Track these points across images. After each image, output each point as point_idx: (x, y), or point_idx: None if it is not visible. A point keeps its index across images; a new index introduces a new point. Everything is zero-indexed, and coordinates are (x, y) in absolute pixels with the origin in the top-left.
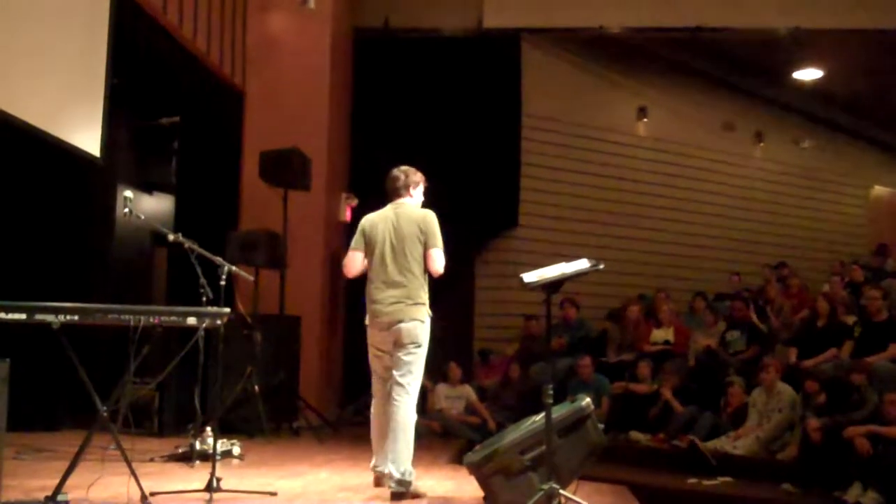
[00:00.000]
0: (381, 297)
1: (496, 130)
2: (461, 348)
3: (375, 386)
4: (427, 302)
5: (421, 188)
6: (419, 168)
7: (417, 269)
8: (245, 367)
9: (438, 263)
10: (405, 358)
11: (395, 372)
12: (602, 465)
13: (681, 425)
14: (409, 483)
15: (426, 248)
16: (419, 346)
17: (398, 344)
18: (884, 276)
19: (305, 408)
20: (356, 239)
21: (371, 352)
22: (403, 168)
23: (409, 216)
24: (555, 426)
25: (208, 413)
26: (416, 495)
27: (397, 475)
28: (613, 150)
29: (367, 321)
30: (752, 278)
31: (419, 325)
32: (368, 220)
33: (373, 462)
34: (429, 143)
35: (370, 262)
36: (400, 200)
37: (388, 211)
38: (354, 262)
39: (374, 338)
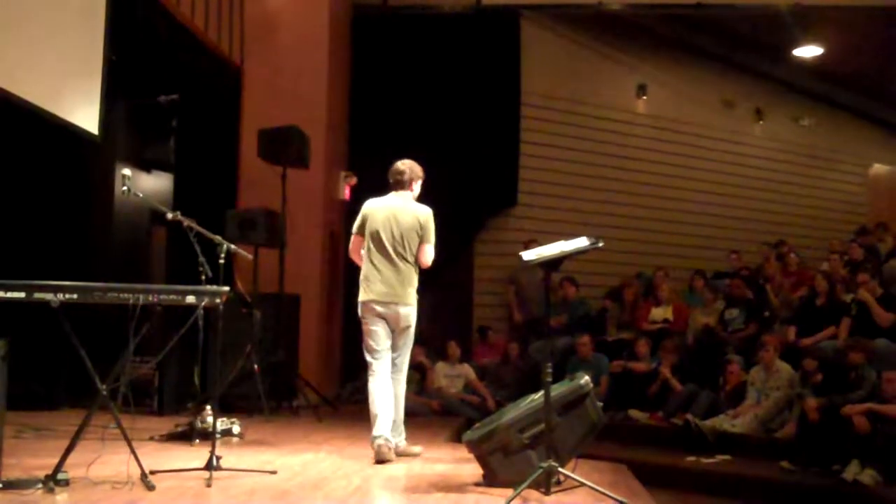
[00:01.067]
0: (381, 277)
1: (495, 108)
2: (460, 327)
3: (376, 354)
4: (416, 286)
5: (420, 182)
6: (418, 145)
7: (412, 258)
8: (244, 345)
9: (429, 257)
10: (401, 341)
11: (392, 354)
12: (601, 443)
13: (679, 404)
14: (399, 444)
15: (422, 241)
16: (410, 328)
17: (396, 327)
18: (876, 254)
19: (305, 386)
20: (358, 224)
21: (371, 322)
22: (407, 163)
23: (411, 210)
24: (554, 404)
25: (208, 392)
26: (410, 454)
27: (397, 439)
28: (613, 128)
29: (362, 297)
30: (751, 256)
31: (412, 309)
32: (370, 205)
33: (380, 433)
34: (427, 121)
35: (368, 243)
36: (402, 192)
37: (390, 199)
38: (358, 247)
39: (371, 311)
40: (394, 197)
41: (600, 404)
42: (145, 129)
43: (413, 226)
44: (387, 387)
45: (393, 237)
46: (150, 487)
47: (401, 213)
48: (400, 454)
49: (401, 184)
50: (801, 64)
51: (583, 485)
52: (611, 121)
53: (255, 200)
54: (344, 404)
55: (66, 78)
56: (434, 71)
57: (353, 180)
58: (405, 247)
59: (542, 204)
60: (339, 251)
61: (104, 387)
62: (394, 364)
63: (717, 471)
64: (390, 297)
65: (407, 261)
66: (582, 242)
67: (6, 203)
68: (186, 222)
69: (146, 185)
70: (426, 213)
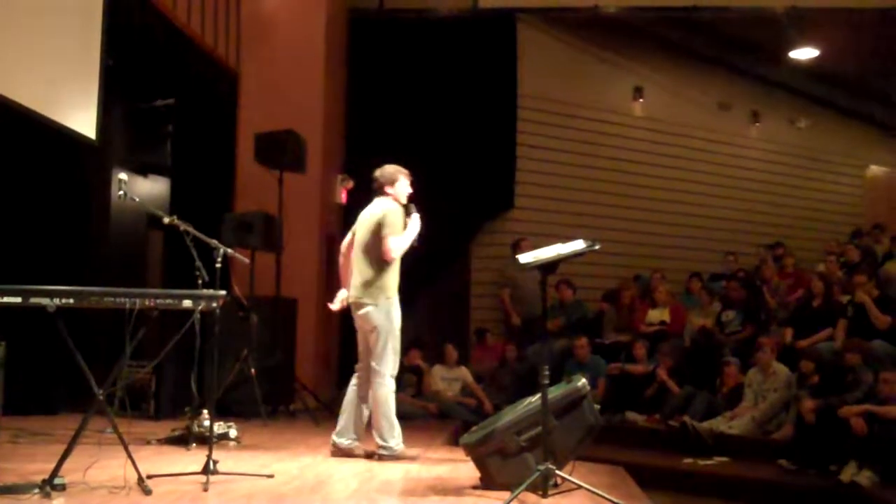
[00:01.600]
0: (351, 280)
1: (492, 111)
2: (458, 330)
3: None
4: (385, 286)
5: (401, 182)
6: (414, 148)
7: (373, 257)
8: (241, 349)
9: (385, 246)
10: (370, 343)
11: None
12: (598, 445)
13: (677, 406)
14: (391, 448)
15: (379, 234)
16: (376, 329)
17: (361, 329)
18: (873, 256)
19: (302, 390)
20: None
21: None
22: (383, 168)
23: (373, 211)
24: (551, 407)
25: (205, 396)
26: (406, 457)
27: (381, 443)
28: (609, 131)
29: None
30: (748, 258)
31: (372, 309)
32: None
33: (336, 433)
34: (424, 124)
35: None
36: (380, 197)
37: (371, 205)
38: (346, 247)
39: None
40: (374, 202)
41: (597, 407)
42: (142, 134)
43: (371, 226)
44: (348, 390)
45: (358, 239)
46: (147, 492)
47: (369, 215)
48: (398, 457)
49: (376, 191)
50: (797, 66)
51: (580, 487)
52: (607, 123)
53: (252, 204)
54: (341, 408)
55: (62, 82)
56: (431, 74)
57: (350, 184)
58: (366, 247)
59: (539, 206)
60: (336, 254)
61: (101, 391)
62: (370, 366)
63: (714, 473)
64: (352, 298)
65: (368, 260)
66: (578, 245)
67: (2, 207)
68: (183, 226)
69: (143, 189)
70: (385, 211)
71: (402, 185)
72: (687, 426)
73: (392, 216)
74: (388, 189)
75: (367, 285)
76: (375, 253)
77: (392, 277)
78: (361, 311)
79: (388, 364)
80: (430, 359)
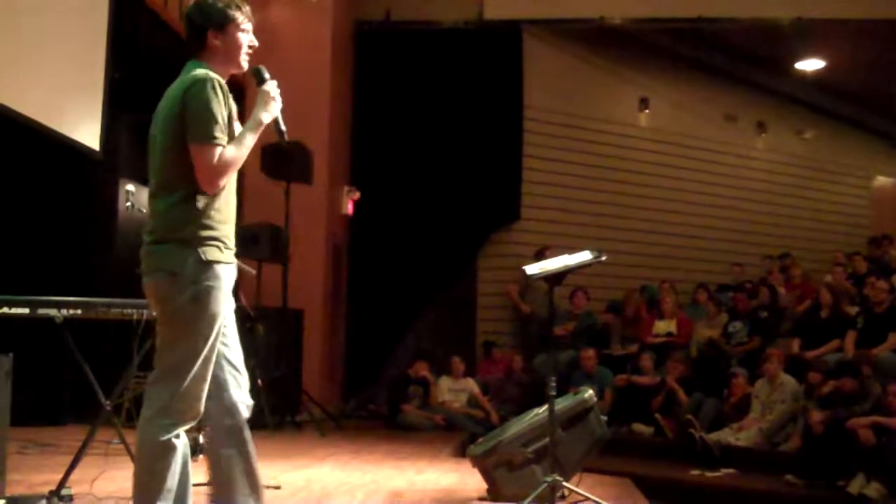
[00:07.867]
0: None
1: (497, 123)
2: (464, 341)
3: None
4: (195, 237)
5: (233, 25)
6: (420, 160)
7: (173, 181)
8: (248, 360)
9: (200, 163)
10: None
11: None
12: (605, 457)
13: (687, 413)
14: None
15: (185, 139)
16: (164, 313)
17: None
18: (884, 266)
19: (308, 401)
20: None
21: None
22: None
23: (173, 91)
24: (558, 419)
25: None
26: None
27: None
28: (615, 142)
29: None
30: (755, 269)
31: (163, 278)
32: None
33: None
34: (430, 136)
35: None
36: (193, 61)
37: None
38: None
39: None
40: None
41: (604, 418)
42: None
43: (170, 118)
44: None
45: (153, 146)
46: None
47: (168, 99)
48: None
49: (189, 43)
50: (803, 77)
51: (587, 499)
52: (613, 134)
53: (259, 215)
54: (347, 419)
55: (68, 94)
56: (436, 85)
57: (357, 195)
58: (163, 159)
59: (545, 218)
60: (343, 266)
61: (108, 402)
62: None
63: (721, 484)
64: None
65: (161, 189)
66: (585, 256)
67: (9, 219)
68: None
69: None
70: (192, 83)
71: (234, 33)
72: (696, 437)
73: (201, 99)
74: (211, 40)
75: (161, 235)
76: (175, 173)
77: (211, 219)
78: (147, 279)
79: (171, 389)
80: (437, 370)
